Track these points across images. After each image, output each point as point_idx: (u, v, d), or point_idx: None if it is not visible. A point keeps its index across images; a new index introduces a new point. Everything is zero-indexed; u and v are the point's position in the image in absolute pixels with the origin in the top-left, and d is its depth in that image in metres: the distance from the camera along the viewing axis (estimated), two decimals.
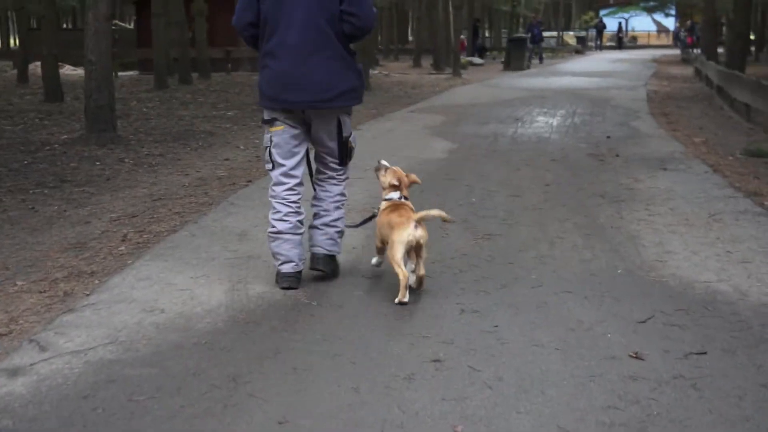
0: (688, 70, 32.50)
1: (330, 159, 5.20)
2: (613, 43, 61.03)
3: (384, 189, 5.22)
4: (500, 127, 13.09)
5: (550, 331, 4.22)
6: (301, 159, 5.12)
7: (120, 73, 27.07)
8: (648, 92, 20.25)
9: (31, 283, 5.16)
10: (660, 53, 52.39)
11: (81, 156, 10.08)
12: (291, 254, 5.03)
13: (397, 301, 4.69)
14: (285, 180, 5.08)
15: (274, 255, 5.07)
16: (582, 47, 58.40)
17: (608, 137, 11.69)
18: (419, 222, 4.77)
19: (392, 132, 12.73)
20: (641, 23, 71.35)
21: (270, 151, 5.06)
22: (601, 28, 58.76)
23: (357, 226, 5.57)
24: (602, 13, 71.51)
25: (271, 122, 5.03)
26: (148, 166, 9.67)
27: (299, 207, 5.11)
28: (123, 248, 5.94)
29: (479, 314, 4.48)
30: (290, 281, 5.03)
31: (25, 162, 9.65)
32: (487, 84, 24.39)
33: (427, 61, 38.22)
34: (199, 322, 4.36)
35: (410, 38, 61.44)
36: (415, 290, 4.87)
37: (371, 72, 24.13)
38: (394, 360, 3.85)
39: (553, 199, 7.47)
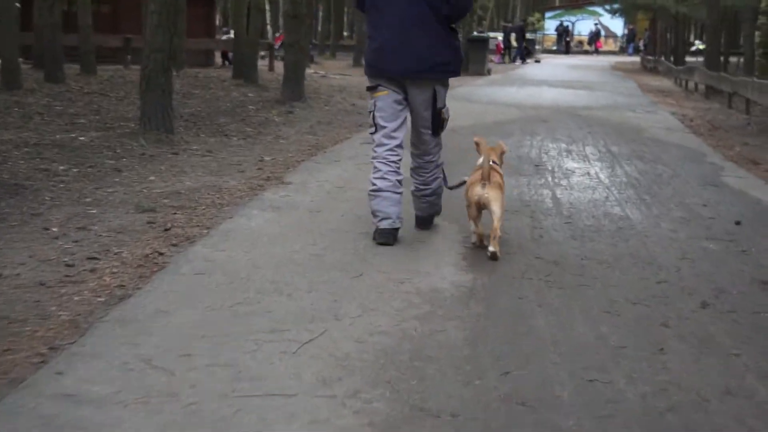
0: (664, 82, 27.84)
1: (424, 131, 5.62)
2: (556, 47, 57.02)
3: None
4: (524, 187, 7.75)
5: None
6: (402, 123, 5.62)
7: None
8: (678, 118, 15.10)
9: None
10: (614, 60, 48.27)
11: None
12: (389, 211, 5.45)
13: (473, 241, 5.52)
14: (386, 141, 5.55)
15: (374, 212, 5.51)
16: (532, 50, 54.04)
17: (738, 223, 6.40)
18: (488, 180, 5.25)
19: (342, 192, 7.34)
20: (587, 28, 66.71)
21: (374, 114, 5.58)
22: (561, 31, 54.59)
23: (452, 188, 5.94)
24: (548, 15, 67.76)
25: (374, 88, 5.59)
26: None
27: (399, 168, 5.59)
28: None
29: None
30: (387, 237, 5.44)
31: None
32: (455, 95, 18.93)
33: None
34: None
35: (345, 33, 55.97)
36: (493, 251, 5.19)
37: (306, 72, 18.55)
38: None
39: None
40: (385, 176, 5.50)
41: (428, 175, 5.73)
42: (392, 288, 4.66)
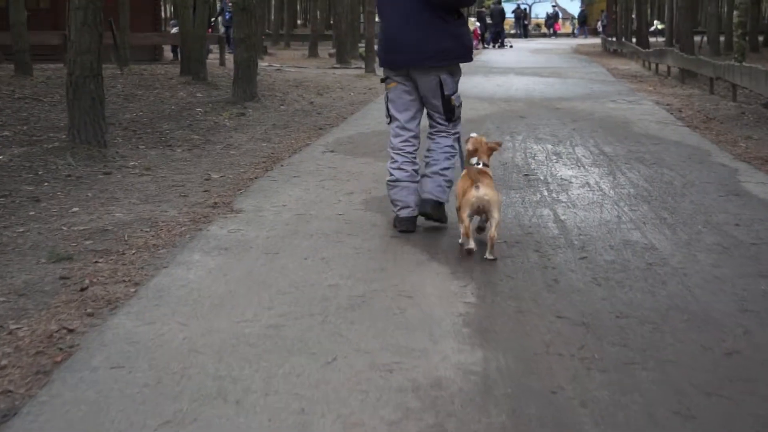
0: (632, 65, 26.87)
1: (437, 116, 5.68)
2: (515, 30, 55.70)
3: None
4: (519, 206, 6.55)
5: None
6: (415, 113, 5.75)
7: None
8: (665, 108, 13.95)
9: None
10: (574, 42, 47.42)
11: None
12: (408, 200, 5.61)
13: (461, 241, 5.15)
14: (401, 132, 5.71)
15: (393, 201, 5.69)
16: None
17: None
18: (481, 182, 4.96)
19: (304, 223, 6.08)
20: (544, 10, 65.76)
21: (387, 105, 5.77)
22: (519, 14, 53.47)
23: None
24: None
25: (386, 80, 5.73)
26: None
27: (415, 158, 5.73)
28: None
29: None
30: (407, 224, 5.60)
31: None
32: None
33: (324, 50, 31.64)
34: None
35: (298, 21, 54.51)
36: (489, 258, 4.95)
37: (259, 65, 17.17)
38: None
39: None
40: (402, 167, 5.67)
41: (440, 151, 5.68)
42: (379, 382, 3.42)
